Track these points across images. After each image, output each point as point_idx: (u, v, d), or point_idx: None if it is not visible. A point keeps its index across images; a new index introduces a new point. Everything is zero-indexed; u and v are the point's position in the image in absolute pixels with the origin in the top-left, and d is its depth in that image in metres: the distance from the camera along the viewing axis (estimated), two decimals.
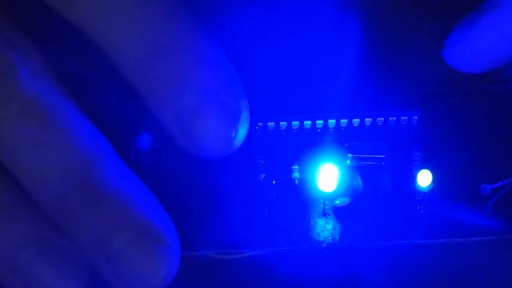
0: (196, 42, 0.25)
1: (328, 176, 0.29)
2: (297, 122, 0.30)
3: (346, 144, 0.30)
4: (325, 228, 0.30)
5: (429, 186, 0.29)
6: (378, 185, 0.30)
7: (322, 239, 0.30)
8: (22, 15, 0.27)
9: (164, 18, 0.25)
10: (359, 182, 0.30)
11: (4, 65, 0.25)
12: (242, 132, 0.26)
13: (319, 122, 0.30)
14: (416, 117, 0.30)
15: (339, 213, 0.30)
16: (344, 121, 0.30)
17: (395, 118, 0.30)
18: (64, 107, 0.26)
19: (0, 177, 0.26)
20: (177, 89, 0.25)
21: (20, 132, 0.25)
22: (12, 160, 0.25)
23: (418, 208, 0.30)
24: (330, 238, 0.30)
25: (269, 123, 0.30)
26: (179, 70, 0.25)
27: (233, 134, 0.26)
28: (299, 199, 0.30)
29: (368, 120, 0.30)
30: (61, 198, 0.25)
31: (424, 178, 0.30)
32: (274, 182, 0.30)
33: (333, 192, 0.30)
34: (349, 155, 0.30)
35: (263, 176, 0.30)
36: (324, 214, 0.30)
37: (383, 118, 0.30)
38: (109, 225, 0.25)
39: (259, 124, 0.30)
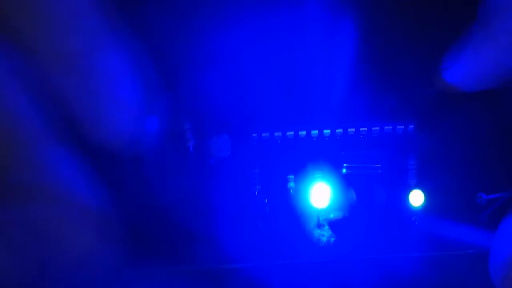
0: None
1: (321, 194, 0.29)
2: (292, 133, 0.30)
3: (342, 153, 0.30)
4: (319, 241, 0.30)
5: (421, 205, 0.29)
6: (373, 197, 0.30)
7: (316, 252, 0.29)
8: None
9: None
10: (353, 195, 0.30)
11: None
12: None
13: (314, 132, 0.30)
14: (412, 126, 0.30)
15: (333, 226, 0.30)
16: (339, 131, 0.30)
17: (390, 127, 0.30)
18: None
19: None
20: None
21: None
22: None
23: (413, 219, 0.30)
24: (324, 251, 0.29)
25: (263, 134, 0.30)
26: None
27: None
28: (294, 210, 0.30)
29: (363, 129, 0.30)
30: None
31: (416, 198, 0.29)
32: (266, 200, 0.30)
33: (326, 207, 0.30)
34: (345, 164, 0.30)
35: (258, 187, 0.30)
36: (319, 226, 0.30)
37: (378, 127, 0.30)
38: None
39: (253, 135, 0.30)
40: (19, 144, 0.25)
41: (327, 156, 0.30)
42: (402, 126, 0.30)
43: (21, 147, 0.25)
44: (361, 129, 0.30)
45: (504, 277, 0.27)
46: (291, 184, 0.30)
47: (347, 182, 0.30)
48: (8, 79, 0.25)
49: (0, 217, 0.25)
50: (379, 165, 0.30)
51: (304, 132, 0.30)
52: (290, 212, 0.30)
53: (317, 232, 0.30)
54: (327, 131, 0.30)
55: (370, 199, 0.30)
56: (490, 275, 0.28)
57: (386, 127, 0.30)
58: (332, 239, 0.30)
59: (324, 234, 0.30)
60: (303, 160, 0.30)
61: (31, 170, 0.25)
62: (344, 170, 0.30)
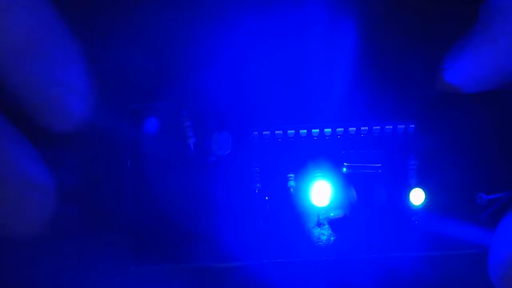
0: None
1: (321, 192, 0.29)
2: (293, 131, 0.30)
3: (343, 152, 0.30)
4: (319, 240, 0.30)
5: (421, 204, 0.29)
6: (373, 196, 0.30)
7: (316, 250, 0.29)
8: None
9: None
10: (353, 193, 0.30)
11: None
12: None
13: (315, 131, 0.30)
14: (413, 126, 0.30)
15: (333, 225, 0.30)
16: (340, 130, 0.30)
17: (391, 127, 0.30)
18: None
19: None
20: None
21: None
22: None
23: (413, 219, 0.30)
24: (325, 249, 0.29)
25: (264, 132, 0.30)
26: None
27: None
28: (294, 209, 0.30)
29: (364, 129, 0.30)
30: None
31: (417, 197, 0.29)
32: (267, 198, 0.30)
33: (327, 206, 0.30)
34: (345, 163, 0.30)
35: (258, 186, 0.30)
36: (319, 225, 0.30)
37: (379, 127, 0.30)
38: None
39: (254, 133, 0.30)
40: None
41: (327, 155, 0.30)
42: (403, 126, 0.30)
43: None
44: (362, 128, 0.30)
45: (503, 277, 0.27)
46: (292, 183, 0.30)
47: (348, 181, 0.30)
48: None
49: None
50: (380, 165, 0.30)
51: (305, 131, 0.30)
52: (290, 210, 0.30)
53: (317, 231, 0.30)
54: (328, 130, 0.30)
55: (370, 198, 0.30)
56: (489, 274, 0.28)
57: (387, 127, 0.30)
58: (332, 238, 0.30)
59: (324, 233, 0.30)
60: (304, 158, 0.30)
61: None
62: (344, 169, 0.30)
